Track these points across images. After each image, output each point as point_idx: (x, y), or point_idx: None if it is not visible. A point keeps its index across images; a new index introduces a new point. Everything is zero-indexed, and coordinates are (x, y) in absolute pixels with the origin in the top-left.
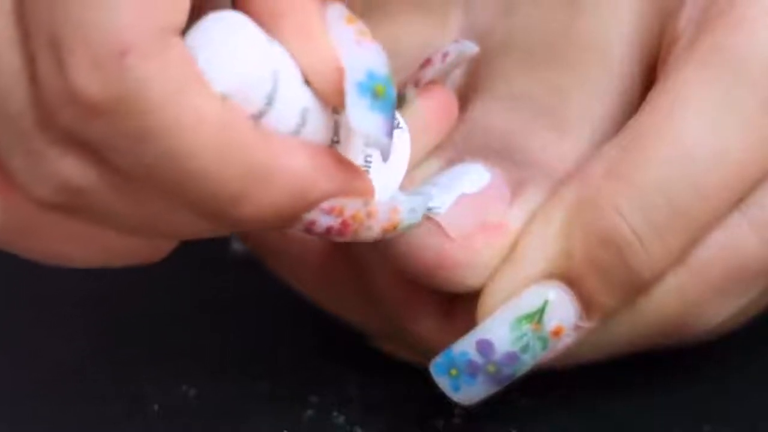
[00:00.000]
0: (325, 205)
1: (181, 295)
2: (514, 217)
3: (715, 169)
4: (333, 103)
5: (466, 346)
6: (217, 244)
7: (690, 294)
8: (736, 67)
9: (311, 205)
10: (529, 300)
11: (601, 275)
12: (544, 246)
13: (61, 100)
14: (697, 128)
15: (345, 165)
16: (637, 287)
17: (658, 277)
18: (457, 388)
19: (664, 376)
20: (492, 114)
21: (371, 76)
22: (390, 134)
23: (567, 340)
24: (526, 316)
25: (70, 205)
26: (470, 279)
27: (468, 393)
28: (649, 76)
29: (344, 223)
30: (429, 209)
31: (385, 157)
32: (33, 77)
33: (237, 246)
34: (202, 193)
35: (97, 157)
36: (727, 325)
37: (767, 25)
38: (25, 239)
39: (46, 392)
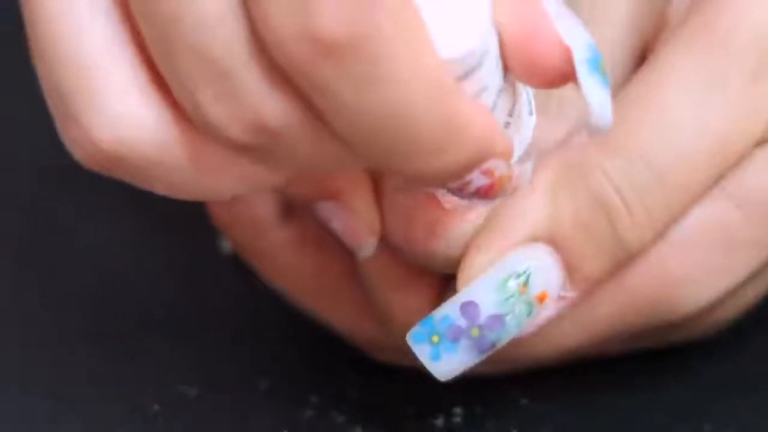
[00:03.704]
0: (485, 165)
1: (180, 294)
2: None
3: (698, 140)
4: (560, 81)
5: (449, 310)
6: (217, 244)
7: (674, 270)
8: (721, 42)
9: (484, 162)
10: (516, 261)
11: (589, 238)
12: (528, 211)
13: (294, 38)
14: (681, 99)
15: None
16: (621, 255)
17: (642, 247)
18: (437, 357)
19: (665, 376)
20: None
21: (593, 50)
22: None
23: (550, 310)
24: (512, 277)
25: (256, 145)
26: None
27: (448, 362)
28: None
29: (492, 185)
30: None
31: (604, 131)
32: (249, 14)
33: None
34: (405, 144)
35: (301, 100)
36: (721, 316)
37: (755, 1)
38: (185, 173)
39: (46, 392)
